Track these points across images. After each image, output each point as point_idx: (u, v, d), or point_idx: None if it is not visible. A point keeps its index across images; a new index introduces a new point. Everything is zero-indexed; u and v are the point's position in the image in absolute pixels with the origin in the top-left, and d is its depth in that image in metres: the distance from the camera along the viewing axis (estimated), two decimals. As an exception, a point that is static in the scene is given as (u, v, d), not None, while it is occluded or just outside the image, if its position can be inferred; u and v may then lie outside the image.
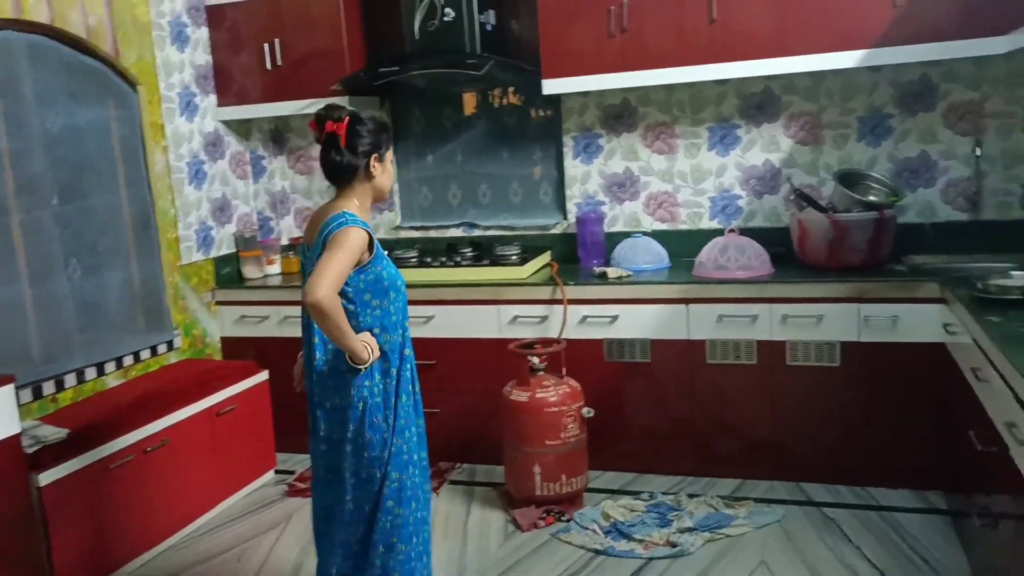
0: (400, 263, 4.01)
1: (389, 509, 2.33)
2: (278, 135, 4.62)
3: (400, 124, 4.44)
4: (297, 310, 3.99)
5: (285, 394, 4.02)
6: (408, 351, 2.44)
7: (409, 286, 3.73)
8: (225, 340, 4.21)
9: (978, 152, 3.55)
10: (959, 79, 3.56)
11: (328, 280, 2.15)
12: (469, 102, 4.30)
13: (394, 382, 2.35)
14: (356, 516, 2.35)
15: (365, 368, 2.27)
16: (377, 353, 2.30)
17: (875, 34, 3.27)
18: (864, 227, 3.35)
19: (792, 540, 3.03)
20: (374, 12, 4.14)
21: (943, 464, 3.19)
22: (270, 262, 4.35)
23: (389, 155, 2.40)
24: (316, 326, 2.26)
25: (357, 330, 2.27)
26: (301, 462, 4.06)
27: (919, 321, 3.19)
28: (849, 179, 3.58)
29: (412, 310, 3.82)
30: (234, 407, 3.66)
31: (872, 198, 3.50)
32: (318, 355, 2.34)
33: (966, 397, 2.64)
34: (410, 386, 2.43)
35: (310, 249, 2.34)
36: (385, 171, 2.39)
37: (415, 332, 3.83)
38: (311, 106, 4.07)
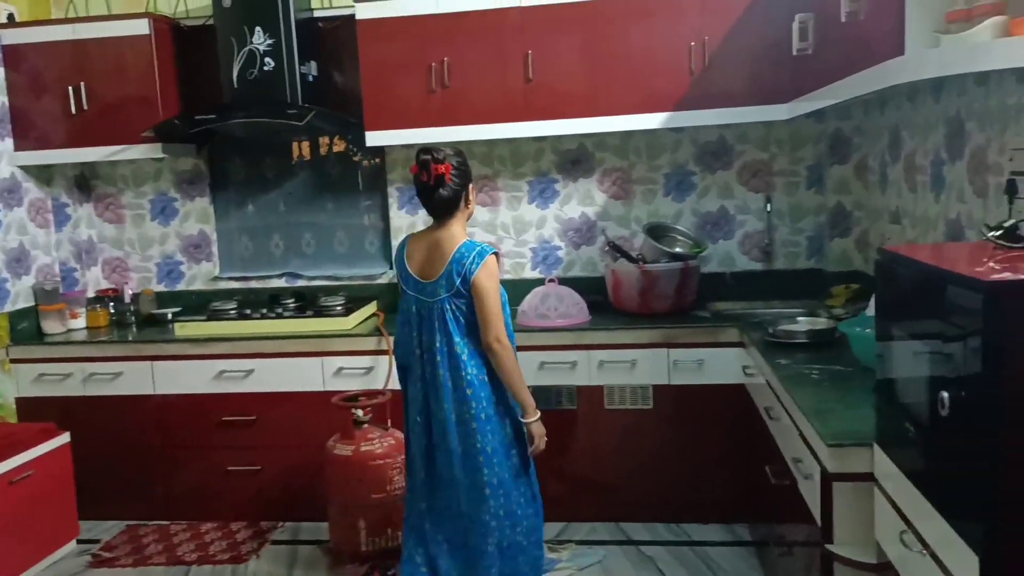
0: (218, 315, 3.88)
1: None
2: (84, 182, 4.37)
3: (219, 173, 4.32)
4: (105, 366, 3.77)
5: (89, 457, 3.79)
6: None
7: (228, 339, 3.69)
8: (21, 401, 3.88)
9: (769, 207, 3.89)
10: (751, 140, 3.90)
11: (501, 322, 2.57)
12: (295, 151, 4.24)
13: None
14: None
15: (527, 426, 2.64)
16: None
17: (676, 97, 3.53)
18: (671, 276, 3.58)
19: (612, 580, 3.14)
20: (189, 59, 4.03)
21: (747, 498, 3.41)
22: (74, 316, 4.07)
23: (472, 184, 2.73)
24: (443, 370, 2.58)
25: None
26: (108, 530, 3.79)
27: (722, 364, 3.43)
28: (657, 231, 3.82)
29: (230, 364, 3.72)
30: (30, 473, 3.38)
31: (678, 249, 3.75)
32: (447, 405, 2.59)
33: (762, 434, 2.86)
34: None
35: (430, 281, 2.62)
36: (475, 198, 2.77)
37: (234, 387, 3.73)
38: (120, 152, 3.90)
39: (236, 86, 3.74)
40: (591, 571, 3.20)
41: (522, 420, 2.62)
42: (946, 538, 1.44)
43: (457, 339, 2.58)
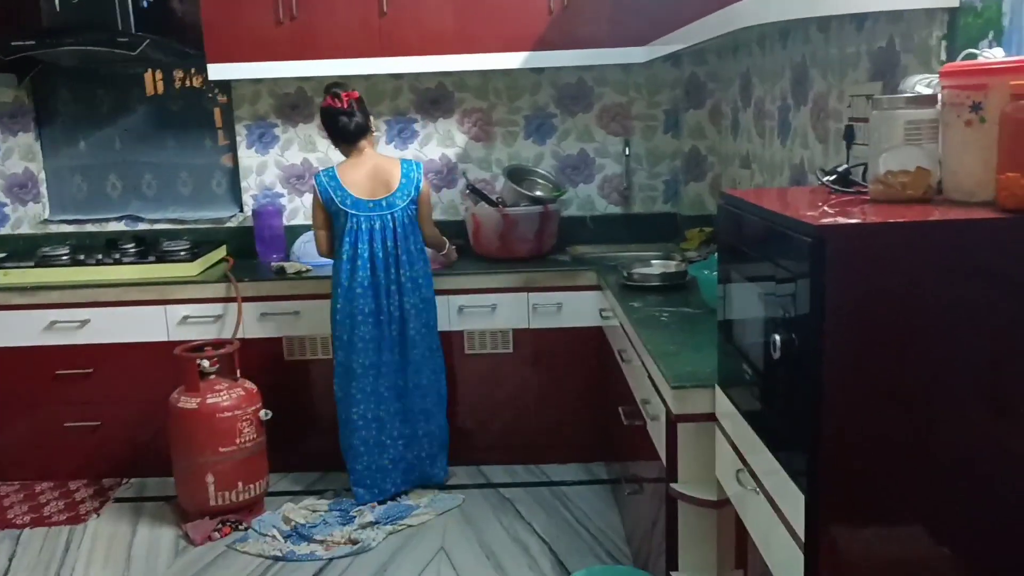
0: (48, 262, 3.60)
1: None
2: None
3: (44, 106, 3.96)
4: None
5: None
6: None
7: (60, 287, 3.42)
8: None
9: (627, 151, 3.92)
10: (609, 84, 3.89)
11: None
12: (149, 84, 3.92)
13: None
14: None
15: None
16: None
17: (536, 37, 3.47)
18: (531, 220, 3.56)
19: (471, 523, 3.14)
20: (5, -23, 3.63)
21: (603, 438, 3.48)
22: None
23: None
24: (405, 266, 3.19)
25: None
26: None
27: (580, 307, 3.45)
28: (517, 175, 3.78)
29: (62, 314, 3.46)
30: None
31: (538, 193, 3.73)
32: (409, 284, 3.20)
33: (617, 376, 2.90)
34: None
35: (384, 198, 3.15)
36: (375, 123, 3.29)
37: (68, 339, 3.47)
38: (-75, 80, 3.49)
39: (59, 9, 3.40)
40: (451, 515, 3.20)
41: (449, 248, 3.44)
42: (777, 476, 1.48)
43: (413, 238, 3.19)
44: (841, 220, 1.32)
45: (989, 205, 1.36)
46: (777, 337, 1.41)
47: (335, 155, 3.92)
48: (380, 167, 3.18)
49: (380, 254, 3.15)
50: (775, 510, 1.50)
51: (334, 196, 3.14)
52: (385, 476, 3.29)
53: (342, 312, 3.18)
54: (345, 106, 3.10)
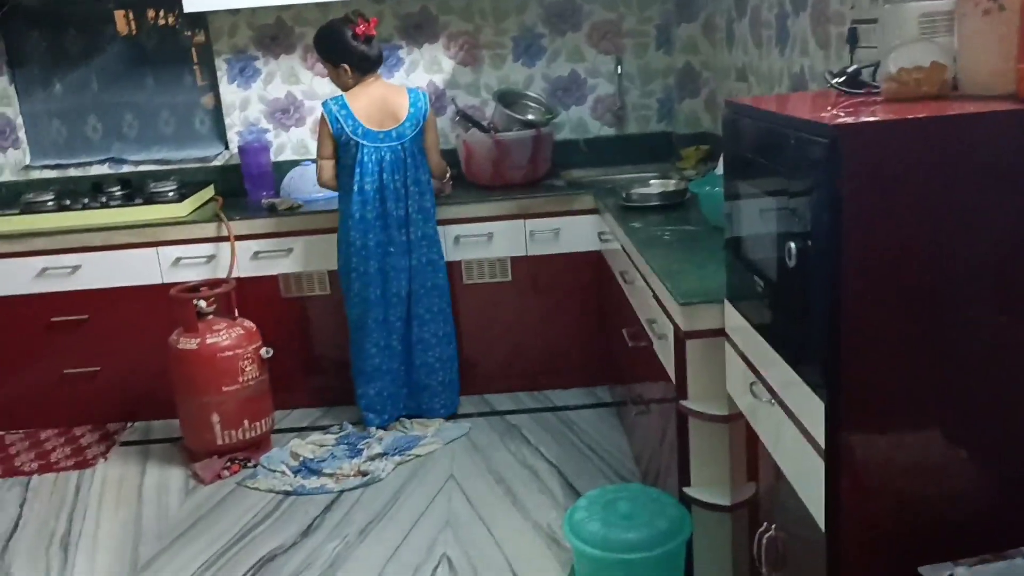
0: (34, 208, 3.53)
1: None
2: None
3: (15, 48, 3.83)
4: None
5: None
6: None
7: (48, 234, 3.36)
8: None
9: (619, 70, 3.82)
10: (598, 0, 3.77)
11: None
12: (121, 24, 3.78)
13: None
14: None
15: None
16: None
17: (521, -46, 3.34)
18: (524, 145, 3.48)
19: (479, 451, 3.16)
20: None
21: (606, 361, 3.48)
22: None
23: None
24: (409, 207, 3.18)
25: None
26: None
27: (578, 232, 3.41)
28: (508, 98, 3.69)
29: (52, 260, 3.40)
30: None
31: (530, 116, 3.64)
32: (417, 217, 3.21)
33: (619, 299, 2.88)
34: None
35: (394, 128, 3.12)
36: None
37: (60, 285, 3.42)
38: None
39: (22, -56, 3.25)
40: (457, 444, 3.21)
41: (447, 178, 3.39)
42: (793, 386, 1.46)
43: (422, 168, 3.19)
44: (856, 119, 1.28)
45: (1009, 98, 1.31)
46: (792, 245, 1.38)
47: (319, 86, 3.84)
48: (388, 97, 3.13)
49: (390, 185, 3.13)
50: (792, 420, 1.49)
51: (344, 125, 3.09)
52: (395, 402, 3.33)
53: (354, 244, 3.17)
54: (372, 32, 3.07)
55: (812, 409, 1.38)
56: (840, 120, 1.28)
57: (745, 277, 1.69)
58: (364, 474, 2.98)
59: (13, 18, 3.76)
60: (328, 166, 3.18)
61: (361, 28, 3.05)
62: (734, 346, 1.82)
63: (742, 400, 1.80)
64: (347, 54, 3.09)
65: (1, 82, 3.84)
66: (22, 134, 3.90)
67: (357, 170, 3.11)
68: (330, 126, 3.10)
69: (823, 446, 1.35)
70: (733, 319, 1.81)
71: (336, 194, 3.25)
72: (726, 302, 1.86)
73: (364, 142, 3.10)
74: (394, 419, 3.35)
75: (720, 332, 1.91)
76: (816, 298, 1.33)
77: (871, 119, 1.28)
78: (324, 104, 3.13)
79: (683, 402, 2.03)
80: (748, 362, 1.73)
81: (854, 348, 1.30)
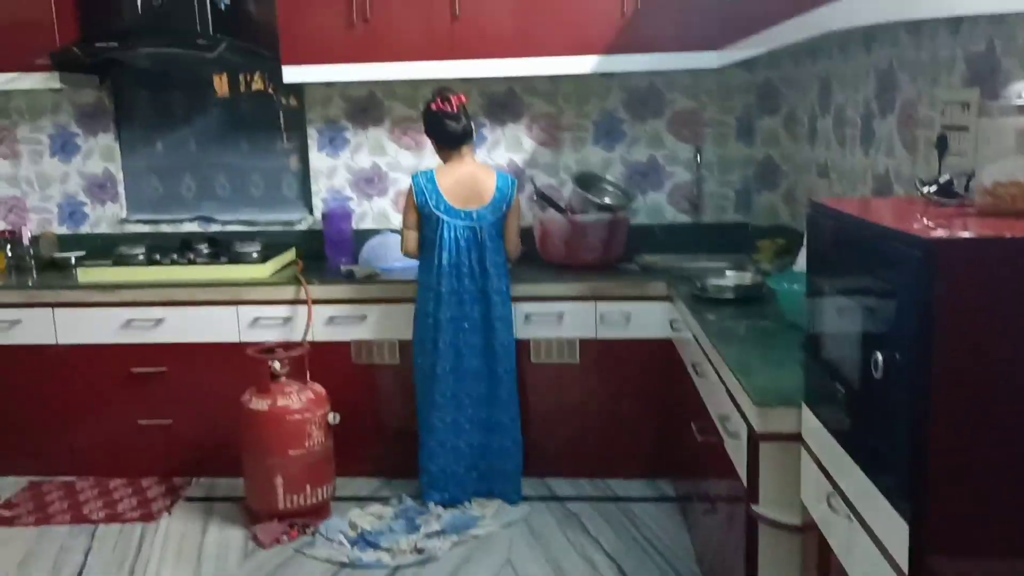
0: (126, 260, 3.67)
1: None
2: (-27, 115, 4.05)
3: (124, 107, 4.06)
4: (1, 314, 3.54)
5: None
6: None
7: (136, 286, 3.49)
8: (-94, 352, 3.61)
9: (698, 159, 3.84)
10: (681, 89, 3.82)
11: None
12: (218, 86, 3.99)
13: None
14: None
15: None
16: None
17: (606, 41, 3.42)
18: (599, 228, 3.51)
19: (537, 537, 3.10)
20: (89, -18, 3.73)
21: (671, 453, 3.40)
22: (-37, 260, 3.79)
23: None
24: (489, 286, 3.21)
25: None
26: (8, 486, 3.61)
27: (649, 318, 3.39)
28: (585, 181, 3.73)
29: (138, 312, 3.53)
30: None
31: (607, 200, 3.68)
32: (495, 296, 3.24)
33: (689, 390, 2.83)
34: None
35: (475, 209, 3.18)
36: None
37: (143, 337, 3.54)
38: (13, 81, 3.63)
39: (140, 12, 3.47)
40: (516, 528, 3.17)
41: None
42: (874, 502, 1.41)
43: (497, 250, 3.23)
44: (952, 233, 1.25)
45: (1111, 220, 1.27)
46: (879, 354, 1.35)
47: (404, 158, 3.96)
48: (477, 177, 3.20)
49: (467, 263, 3.19)
50: (871, 538, 1.43)
51: (428, 199, 3.17)
52: (458, 482, 3.29)
53: (429, 316, 3.22)
54: (454, 109, 3.15)
55: (894, 529, 1.32)
56: (935, 233, 1.25)
57: (825, 381, 1.65)
58: (420, 551, 2.95)
59: (124, 78, 3.99)
60: (411, 236, 3.26)
61: (436, 104, 3.16)
62: (810, 452, 1.77)
63: (816, 510, 1.74)
64: (431, 129, 3.21)
65: (107, 139, 4.06)
66: (121, 189, 4.10)
67: (437, 244, 3.18)
68: (415, 197, 3.19)
69: (906, 570, 1.29)
70: (811, 423, 1.76)
71: (416, 264, 3.32)
72: (803, 406, 1.81)
73: (446, 218, 3.17)
74: (458, 500, 3.31)
75: (796, 436, 1.86)
76: (902, 411, 1.29)
77: (968, 234, 1.26)
78: (413, 176, 3.23)
79: (754, 507, 1.97)
80: (825, 471, 1.67)
81: (942, 465, 1.25)
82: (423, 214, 3.20)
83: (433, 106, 3.17)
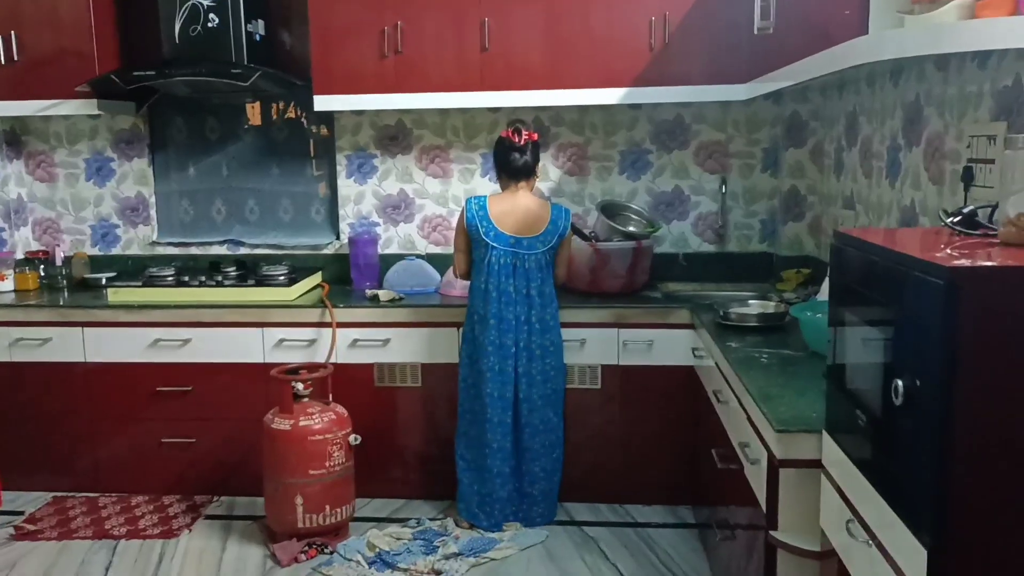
0: (155, 282, 3.73)
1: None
2: (14, 137, 4.15)
3: (159, 133, 4.15)
4: (33, 332, 3.59)
5: (14, 425, 3.64)
6: None
7: (165, 307, 3.55)
8: (-60, 366, 3.69)
9: (724, 189, 3.86)
10: (707, 121, 3.85)
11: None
12: (249, 114, 4.09)
13: None
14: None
15: None
16: None
17: (634, 74, 3.46)
18: (624, 255, 3.53)
19: (554, 560, 3.09)
20: (129, 12, 3.83)
21: (691, 480, 3.39)
22: (1, 278, 3.87)
23: None
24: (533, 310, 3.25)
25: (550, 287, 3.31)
26: (32, 501, 3.64)
27: (672, 345, 3.39)
28: (611, 210, 3.76)
29: (166, 332, 3.58)
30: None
31: (631, 228, 3.70)
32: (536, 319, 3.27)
33: (710, 418, 2.83)
34: None
35: (527, 237, 3.21)
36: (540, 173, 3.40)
37: (170, 356, 3.59)
38: (53, 107, 3.72)
39: (178, 42, 3.57)
40: (533, 551, 3.16)
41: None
42: (894, 529, 1.40)
43: (546, 280, 3.26)
44: (974, 263, 1.26)
45: None
46: (900, 383, 1.35)
47: (431, 185, 4.01)
48: (531, 209, 3.25)
49: (512, 290, 3.22)
50: (890, 564, 1.42)
51: (479, 225, 3.22)
52: (503, 505, 3.31)
53: (475, 340, 3.26)
54: (521, 142, 3.21)
55: (913, 556, 1.32)
56: (957, 262, 1.26)
57: (846, 409, 1.65)
58: (438, 572, 2.95)
59: (160, 105, 4.09)
60: (461, 259, 3.32)
61: (506, 133, 3.27)
62: (831, 479, 1.76)
63: (836, 537, 1.73)
64: (496, 156, 3.32)
65: (141, 163, 4.15)
66: (153, 212, 4.19)
67: (484, 270, 3.22)
68: (466, 222, 3.24)
69: (925, 598, 1.28)
70: (831, 451, 1.76)
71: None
72: (824, 433, 1.81)
73: (494, 244, 3.21)
74: (500, 523, 3.31)
75: (816, 463, 1.85)
76: (923, 439, 1.29)
77: (991, 264, 1.27)
78: (467, 200, 3.29)
79: (773, 533, 1.96)
80: (845, 498, 1.67)
81: (963, 494, 1.24)
82: (472, 238, 3.25)
83: (503, 134, 3.27)
